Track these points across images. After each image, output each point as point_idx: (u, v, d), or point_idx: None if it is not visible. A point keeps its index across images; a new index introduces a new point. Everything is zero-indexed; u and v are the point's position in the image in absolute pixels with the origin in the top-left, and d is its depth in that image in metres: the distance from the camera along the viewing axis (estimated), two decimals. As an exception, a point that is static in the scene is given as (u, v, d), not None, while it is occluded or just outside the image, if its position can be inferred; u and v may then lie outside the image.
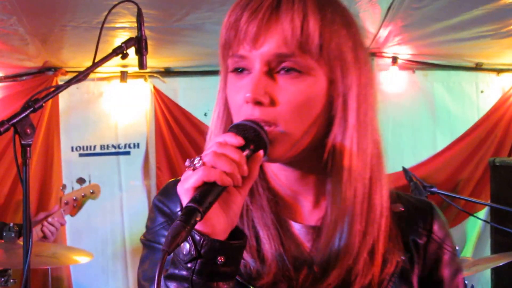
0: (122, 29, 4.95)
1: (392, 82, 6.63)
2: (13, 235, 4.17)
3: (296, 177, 1.58)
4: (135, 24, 4.78)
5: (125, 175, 6.52)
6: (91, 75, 5.63)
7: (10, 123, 2.77)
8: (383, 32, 5.79)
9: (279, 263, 1.50)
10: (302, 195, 1.59)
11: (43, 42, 5.40)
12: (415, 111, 6.92)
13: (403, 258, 1.56)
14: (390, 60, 6.52)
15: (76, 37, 5.26)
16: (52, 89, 2.97)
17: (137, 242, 6.39)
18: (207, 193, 1.26)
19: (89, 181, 4.98)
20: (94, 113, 6.44)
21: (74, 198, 4.82)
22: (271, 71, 1.43)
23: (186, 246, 1.31)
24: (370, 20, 5.44)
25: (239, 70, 1.48)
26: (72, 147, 6.39)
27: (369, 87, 1.52)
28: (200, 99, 6.56)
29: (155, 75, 6.46)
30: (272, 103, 1.42)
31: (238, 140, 1.35)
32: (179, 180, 1.35)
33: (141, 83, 6.50)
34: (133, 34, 5.04)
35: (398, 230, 1.59)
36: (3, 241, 4.20)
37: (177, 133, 6.41)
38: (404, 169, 4.28)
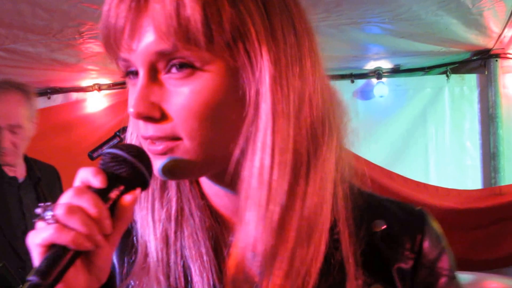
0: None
1: (518, 86, 6.28)
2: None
3: (231, 193, 1.23)
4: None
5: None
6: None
7: (123, 135, 2.73)
8: (508, 32, 5.49)
9: None
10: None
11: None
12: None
13: None
14: (516, 62, 6.16)
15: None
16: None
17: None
18: (56, 261, 1.01)
19: None
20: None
21: None
22: (158, 74, 1.13)
23: None
24: (495, 18, 5.17)
25: (133, 73, 1.17)
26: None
27: (297, 66, 1.15)
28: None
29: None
30: (164, 116, 1.12)
31: (99, 182, 1.06)
32: None
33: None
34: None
35: (378, 256, 1.25)
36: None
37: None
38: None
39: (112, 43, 1.13)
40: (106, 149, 1.11)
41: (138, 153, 1.12)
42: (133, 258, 1.27)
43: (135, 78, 1.15)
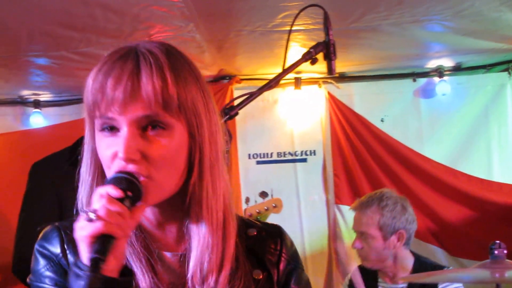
0: (297, 32, 4.90)
1: None
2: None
3: (162, 215, 1.77)
4: (310, 27, 4.77)
5: (302, 183, 6.51)
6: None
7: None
8: None
9: None
10: (169, 228, 1.78)
11: (219, 49, 5.46)
12: None
13: (262, 275, 1.83)
14: None
15: (251, 42, 5.27)
16: (246, 96, 3.15)
17: (317, 248, 6.35)
18: (106, 244, 1.48)
19: (271, 194, 5.14)
20: (269, 120, 6.51)
21: (257, 211, 5.00)
22: (140, 129, 1.60)
23: (81, 283, 1.50)
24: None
25: (108, 129, 1.62)
26: (249, 155, 6.49)
27: (218, 133, 1.73)
28: (376, 104, 6.49)
29: (329, 80, 6.41)
30: (143, 158, 1.60)
31: (119, 193, 1.54)
32: (56, 227, 1.75)
33: (315, 89, 6.49)
34: (307, 36, 5.08)
35: (254, 251, 1.86)
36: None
37: (353, 140, 6.33)
38: None
39: (102, 105, 1.59)
40: (109, 177, 1.61)
41: (132, 175, 1.58)
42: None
43: (111, 131, 1.62)
